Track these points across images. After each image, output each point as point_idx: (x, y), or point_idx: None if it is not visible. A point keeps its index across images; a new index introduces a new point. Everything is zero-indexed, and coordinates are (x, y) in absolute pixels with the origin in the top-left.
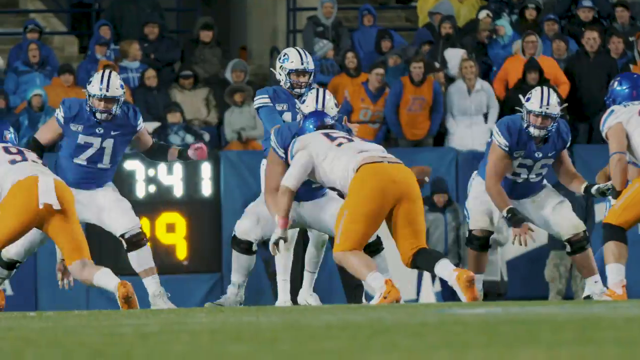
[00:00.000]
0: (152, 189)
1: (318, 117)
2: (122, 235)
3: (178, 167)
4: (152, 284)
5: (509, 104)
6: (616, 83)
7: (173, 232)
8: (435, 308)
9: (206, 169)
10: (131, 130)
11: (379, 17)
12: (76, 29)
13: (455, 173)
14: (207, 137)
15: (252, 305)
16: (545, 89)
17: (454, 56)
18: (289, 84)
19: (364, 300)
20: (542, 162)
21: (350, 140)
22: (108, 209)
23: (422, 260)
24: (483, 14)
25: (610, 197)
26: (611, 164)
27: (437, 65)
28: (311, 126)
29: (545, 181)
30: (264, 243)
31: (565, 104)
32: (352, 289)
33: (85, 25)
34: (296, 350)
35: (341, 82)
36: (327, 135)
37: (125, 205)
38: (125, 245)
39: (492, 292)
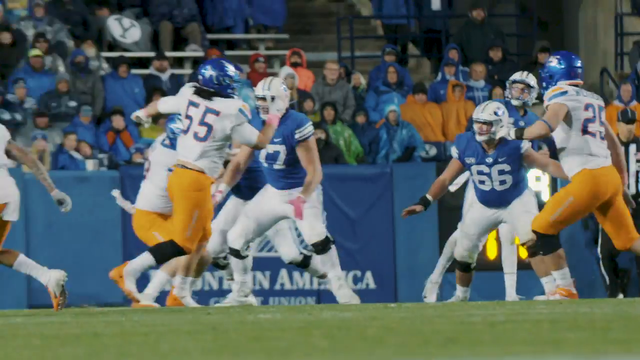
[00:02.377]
0: None
1: None
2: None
3: None
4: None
5: None
6: (555, 60)
7: None
8: None
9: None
10: None
11: None
12: (428, 52)
13: None
14: None
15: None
16: None
17: None
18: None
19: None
20: None
21: None
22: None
23: None
24: None
25: None
26: (538, 127)
27: None
28: None
29: None
30: None
31: None
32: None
33: (436, 48)
34: (627, 338)
35: None
36: None
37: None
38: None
39: None
